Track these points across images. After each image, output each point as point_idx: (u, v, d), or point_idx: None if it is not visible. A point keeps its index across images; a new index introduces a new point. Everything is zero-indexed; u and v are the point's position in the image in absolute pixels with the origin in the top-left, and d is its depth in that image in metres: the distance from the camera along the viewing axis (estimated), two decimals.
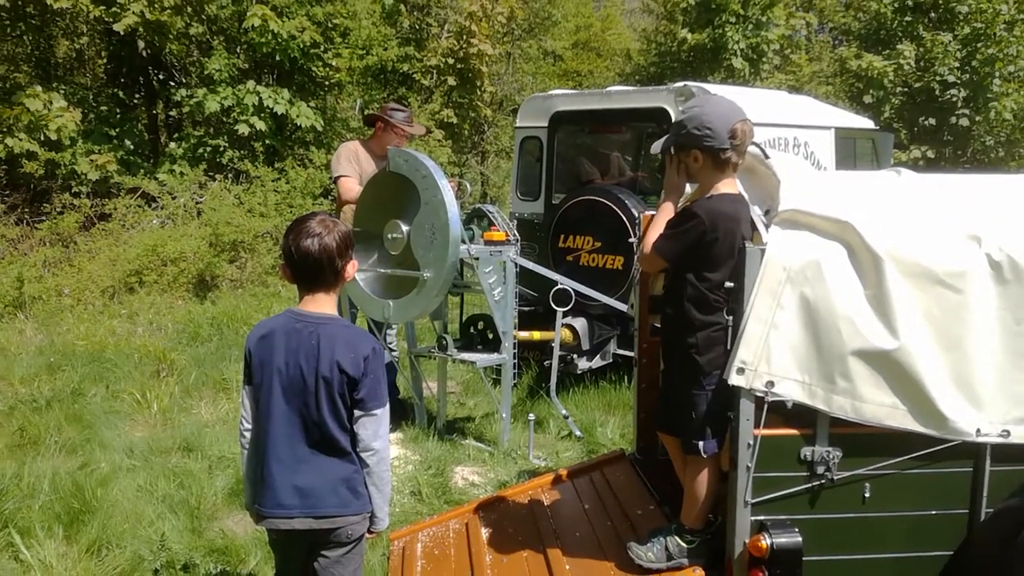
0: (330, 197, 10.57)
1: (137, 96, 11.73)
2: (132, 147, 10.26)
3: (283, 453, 2.35)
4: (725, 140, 2.62)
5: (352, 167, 5.25)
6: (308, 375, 2.31)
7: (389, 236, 4.61)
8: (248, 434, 2.44)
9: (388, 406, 2.42)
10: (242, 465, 2.50)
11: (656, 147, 2.81)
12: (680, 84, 5.77)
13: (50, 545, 3.65)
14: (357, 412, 2.34)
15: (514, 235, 4.84)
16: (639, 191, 5.96)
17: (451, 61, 13.67)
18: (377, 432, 2.37)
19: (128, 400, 5.64)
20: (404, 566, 3.39)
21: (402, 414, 5.29)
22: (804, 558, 2.56)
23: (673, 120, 5.61)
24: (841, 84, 15.14)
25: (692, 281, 2.68)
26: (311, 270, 2.34)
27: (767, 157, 2.80)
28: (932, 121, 13.90)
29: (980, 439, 2.57)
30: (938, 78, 13.57)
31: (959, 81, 13.54)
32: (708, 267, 2.65)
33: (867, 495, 2.65)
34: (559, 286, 5.08)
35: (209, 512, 4.14)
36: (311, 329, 2.34)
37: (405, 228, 4.53)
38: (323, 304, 2.39)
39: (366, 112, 5.68)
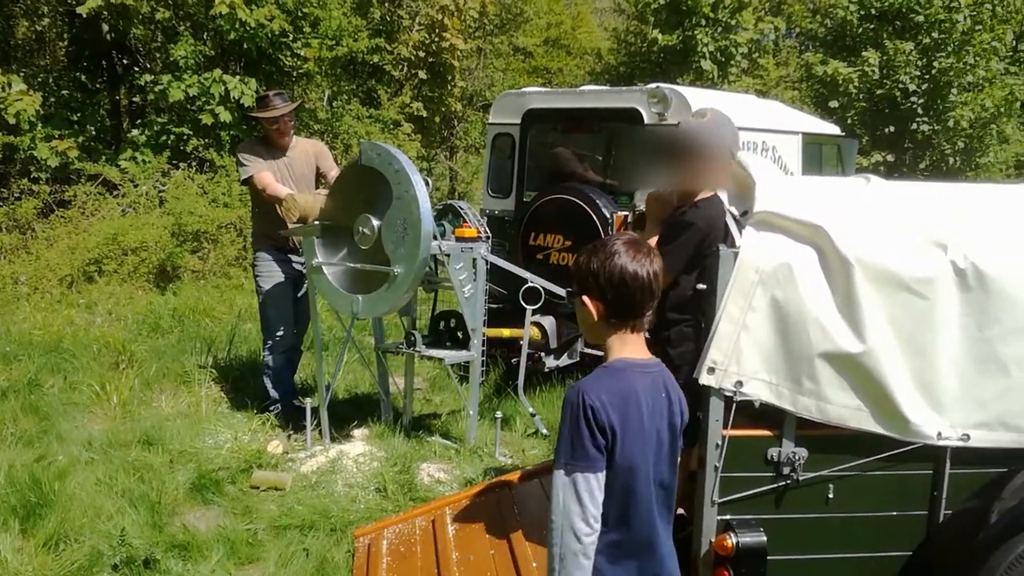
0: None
1: (99, 81, 11.46)
2: (94, 133, 10.01)
3: None
4: None
5: (259, 161, 5.10)
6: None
7: (359, 230, 4.57)
8: None
9: None
10: None
11: None
12: (652, 85, 5.81)
13: (5, 539, 3.58)
14: None
15: (486, 232, 4.82)
16: (610, 191, 5.98)
17: (422, 54, 13.59)
18: None
19: (87, 392, 5.52)
20: (369, 563, 3.37)
21: (368, 411, 5.26)
22: (769, 557, 2.59)
23: (645, 121, 5.65)
24: (807, 89, 15.36)
25: (677, 283, 2.75)
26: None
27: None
28: (893, 128, 14.18)
29: (941, 443, 2.62)
30: (900, 86, 13.84)
31: (919, 90, 13.83)
32: (695, 269, 2.73)
33: (831, 496, 2.69)
34: (529, 284, 5.08)
35: (170, 507, 4.08)
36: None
37: (376, 223, 4.49)
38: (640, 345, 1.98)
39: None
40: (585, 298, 1.91)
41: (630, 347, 1.93)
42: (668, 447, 1.94)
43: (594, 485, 1.80)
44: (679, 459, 2.02)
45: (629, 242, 1.90)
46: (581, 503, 1.80)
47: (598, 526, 1.83)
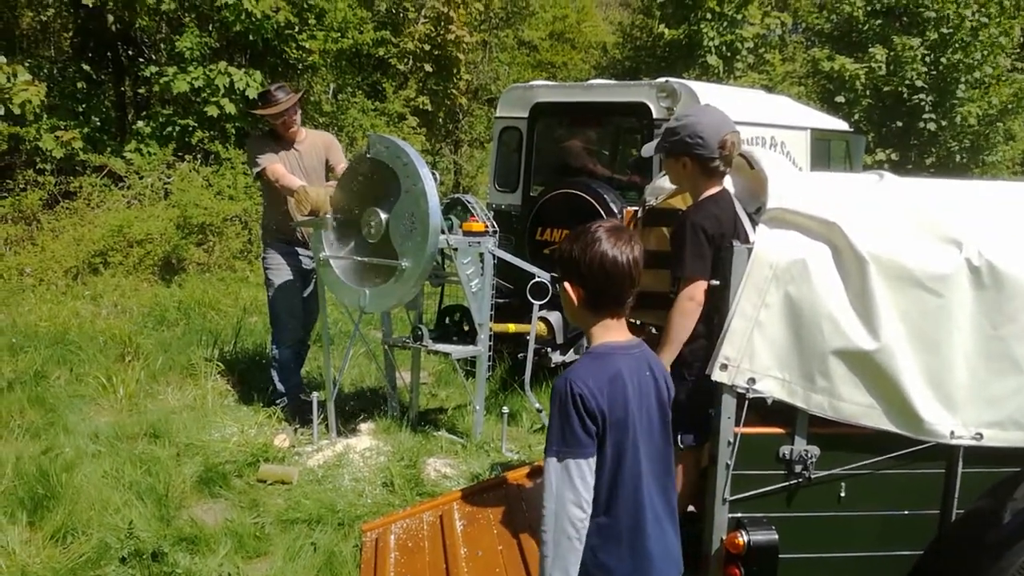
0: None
1: (105, 72, 11.44)
2: (99, 124, 10.00)
3: None
4: (715, 151, 2.73)
5: (270, 155, 5.09)
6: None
7: (367, 224, 4.56)
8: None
9: None
10: None
11: (648, 150, 2.87)
12: (661, 80, 5.78)
13: (13, 531, 3.57)
14: None
15: (493, 226, 4.81)
16: (617, 185, 5.96)
17: (427, 47, 13.56)
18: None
19: (93, 384, 5.51)
20: (377, 558, 3.36)
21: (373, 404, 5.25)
22: (780, 555, 2.58)
23: (653, 115, 5.63)
24: (813, 85, 15.30)
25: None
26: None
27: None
28: (900, 124, 14.11)
29: (954, 441, 2.61)
30: (907, 82, 13.78)
31: (926, 86, 13.76)
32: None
33: (843, 494, 2.68)
34: (536, 279, 5.06)
35: (177, 500, 4.07)
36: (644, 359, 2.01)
37: (384, 216, 4.48)
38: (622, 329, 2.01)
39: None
40: (567, 284, 1.94)
41: (612, 332, 1.96)
42: (659, 423, 1.99)
43: (586, 470, 1.85)
44: (671, 434, 2.05)
45: (611, 229, 1.92)
46: (575, 488, 1.84)
47: (590, 510, 1.88)
